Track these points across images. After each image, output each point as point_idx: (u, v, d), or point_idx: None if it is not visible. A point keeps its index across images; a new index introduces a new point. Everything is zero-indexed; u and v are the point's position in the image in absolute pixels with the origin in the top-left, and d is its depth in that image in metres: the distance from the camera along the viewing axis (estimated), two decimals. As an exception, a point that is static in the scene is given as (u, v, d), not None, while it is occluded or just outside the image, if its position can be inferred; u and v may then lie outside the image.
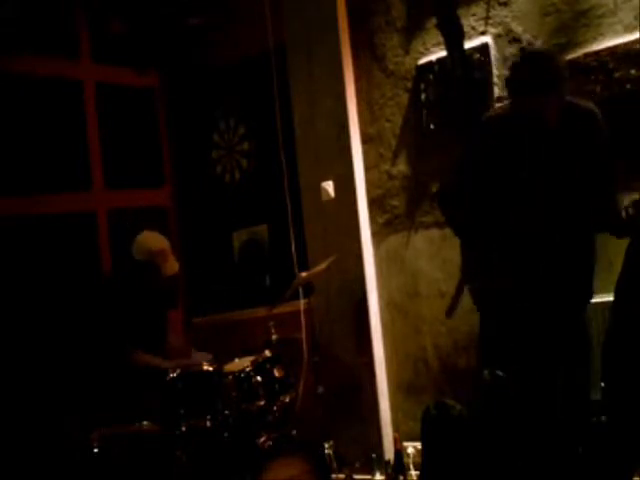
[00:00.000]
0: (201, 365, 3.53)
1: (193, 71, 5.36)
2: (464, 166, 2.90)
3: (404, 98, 4.18)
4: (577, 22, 3.54)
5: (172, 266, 3.77)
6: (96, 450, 3.22)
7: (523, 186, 2.73)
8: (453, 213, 3.03)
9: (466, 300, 3.89)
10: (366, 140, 4.35)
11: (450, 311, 3.05)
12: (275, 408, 3.65)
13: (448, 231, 3.76)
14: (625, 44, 3.37)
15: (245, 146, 5.13)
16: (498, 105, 3.59)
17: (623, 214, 2.56)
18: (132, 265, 3.72)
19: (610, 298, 2.60)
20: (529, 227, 2.69)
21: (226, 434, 3.47)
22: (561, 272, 2.71)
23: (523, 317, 2.67)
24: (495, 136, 2.82)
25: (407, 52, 4.15)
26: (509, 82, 2.84)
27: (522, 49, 3.47)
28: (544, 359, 2.67)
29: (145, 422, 3.34)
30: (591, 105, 2.87)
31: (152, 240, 3.77)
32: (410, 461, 3.98)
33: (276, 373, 3.70)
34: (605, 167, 2.74)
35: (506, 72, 3.12)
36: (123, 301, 3.74)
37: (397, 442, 3.90)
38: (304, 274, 4.03)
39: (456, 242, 3.87)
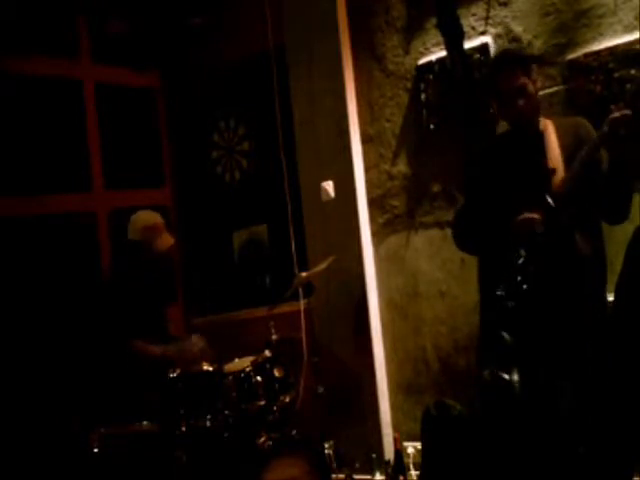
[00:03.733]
0: (200, 364, 3.54)
1: (193, 71, 5.35)
2: (470, 196, 2.93)
3: (404, 98, 4.18)
4: (577, 22, 3.54)
5: (166, 240, 3.78)
6: (96, 450, 3.22)
7: (530, 199, 2.73)
8: (470, 241, 3.03)
9: (466, 300, 3.91)
10: (366, 140, 4.35)
11: None
12: (275, 408, 3.65)
13: (448, 231, 3.76)
14: (625, 44, 3.37)
15: (245, 146, 5.13)
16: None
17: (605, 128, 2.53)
18: (127, 246, 3.74)
19: (610, 298, 2.60)
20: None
21: (226, 434, 3.47)
22: (577, 269, 2.71)
23: (543, 319, 2.65)
24: (495, 161, 2.84)
25: (407, 52, 4.15)
26: (493, 70, 2.87)
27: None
28: (557, 360, 2.67)
29: (145, 422, 3.35)
30: (578, 118, 2.92)
31: (144, 217, 3.79)
32: (410, 461, 3.98)
33: (276, 373, 3.70)
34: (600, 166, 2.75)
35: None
36: (122, 287, 3.74)
37: (397, 442, 3.90)
38: (304, 274, 4.03)
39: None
